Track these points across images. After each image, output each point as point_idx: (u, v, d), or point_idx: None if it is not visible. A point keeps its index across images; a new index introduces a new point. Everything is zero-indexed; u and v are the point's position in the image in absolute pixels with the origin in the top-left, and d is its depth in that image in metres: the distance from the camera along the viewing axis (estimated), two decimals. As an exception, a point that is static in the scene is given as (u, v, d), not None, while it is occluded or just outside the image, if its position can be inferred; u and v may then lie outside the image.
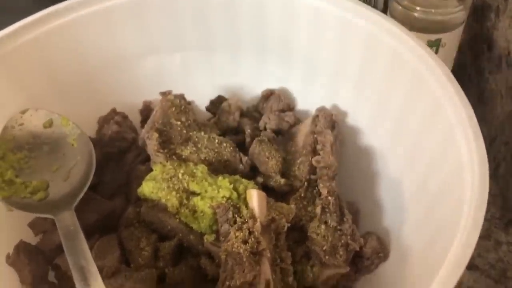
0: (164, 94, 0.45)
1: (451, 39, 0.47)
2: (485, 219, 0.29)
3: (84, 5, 0.46)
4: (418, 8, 0.47)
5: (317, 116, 0.46)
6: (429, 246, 0.35)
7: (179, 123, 0.45)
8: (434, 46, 0.47)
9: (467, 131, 0.34)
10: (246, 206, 0.38)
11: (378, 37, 0.41)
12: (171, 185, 0.40)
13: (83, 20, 0.46)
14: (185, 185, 0.40)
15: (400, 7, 0.48)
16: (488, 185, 0.31)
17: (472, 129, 0.34)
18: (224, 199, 0.38)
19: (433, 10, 0.46)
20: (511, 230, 0.46)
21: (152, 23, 0.49)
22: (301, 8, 0.45)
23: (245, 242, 0.35)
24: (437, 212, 0.35)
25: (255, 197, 0.37)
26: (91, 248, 0.39)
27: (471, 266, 0.45)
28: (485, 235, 0.46)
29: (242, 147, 0.47)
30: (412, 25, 0.47)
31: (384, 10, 0.57)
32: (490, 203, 0.36)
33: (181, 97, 0.46)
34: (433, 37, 0.47)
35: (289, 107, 0.50)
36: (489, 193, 0.30)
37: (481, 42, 0.51)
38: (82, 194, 0.40)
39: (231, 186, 0.39)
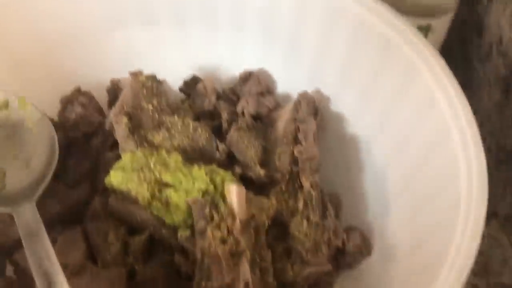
0: (134, 74, 0.42)
1: (441, 25, 0.45)
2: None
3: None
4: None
5: (299, 101, 0.43)
6: (419, 245, 0.33)
7: (150, 106, 0.41)
8: (423, 31, 0.45)
9: (462, 124, 0.32)
10: (224, 200, 0.35)
11: (367, 21, 0.38)
12: (141, 176, 0.37)
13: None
14: (157, 175, 0.37)
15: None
16: (487, 185, 0.30)
17: (467, 122, 0.32)
18: (200, 192, 0.36)
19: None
20: (492, 223, 0.45)
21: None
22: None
23: (223, 241, 0.33)
24: (426, 209, 0.34)
25: (234, 193, 0.34)
26: (53, 243, 0.36)
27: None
28: (466, 227, 0.45)
29: (219, 132, 0.44)
30: (401, 9, 0.44)
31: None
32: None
33: (153, 78, 0.43)
34: (423, 22, 0.44)
35: (269, 89, 0.47)
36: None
37: (470, 28, 0.49)
38: (44, 185, 0.36)
39: (208, 177, 0.37)
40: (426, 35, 0.45)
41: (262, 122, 0.45)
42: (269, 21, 0.45)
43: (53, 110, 0.45)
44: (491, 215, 0.46)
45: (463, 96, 0.33)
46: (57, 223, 0.38)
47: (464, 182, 0.31)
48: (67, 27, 0.45)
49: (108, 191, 0.39)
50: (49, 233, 0.37)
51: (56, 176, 0.41)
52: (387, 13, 0.38)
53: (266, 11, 0.44)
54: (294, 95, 0.45)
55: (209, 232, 0.33)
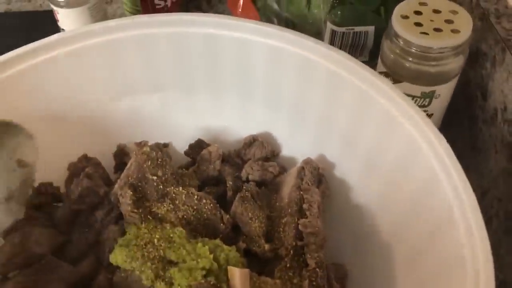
0: (139, 145, 0.42)
1: (446, 90, 0.45)
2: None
3: (53, 47, 0.43)
4: (410, 58, 0.44)
5: (303, 168, 0.43)
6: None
7: (155, 178, 0.41)
8: (428, 97, 0.45)
9: (465, 210, 0.32)
10: (227, 280, 0.35)
11: (368, 95, 0.39)
12: (145, 254, 0.37)
13: (51, 62, 0.43)
14: (161, 253, 0.37)
15: (392, 56, 0.45)
16: (493, 269, 0.29)
17: (471, 208, 0.32)
18: (204, 271, 0.36)
19: (427, 62, 0.43)
20: (504, 290, 0.44)
21: (128, 62, 0.46)
22: (289, 56, 0.42)
23: (227, 328, 0.32)
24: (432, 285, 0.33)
25: (237, 277, 0.34)
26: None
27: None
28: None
29: (224, 199, 0.44)
30: (405, 76, 0.44)
31: (374, 50, 0.55)
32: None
33: (158, 148, 0.43)
34: (427, 89, 0.44)
35: (273, 153, 0.48)
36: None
37: (475, 89, 0.49)
38: None
39: (211, 256, 0.36)
40: (430, 101, 0.45)
41: (266, 187, 0.45)
42: (274, 88, 0.45)
43: (61, 177, 0.46)
44: (501, 283, 0.45)
45: (467, 180, 0.32)
46: (62, 300, 0.38)
47: (470, 268, 0.30)
48: (75, 94, 0.46)
49: (112, 267, 0.39)
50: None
51: (61, 249, 0.41)
52: (387, 86, 0.38)
53: (271, 79, 0.45)
54: (299, 158, 0.46)
55: (212, 319, 0.32)
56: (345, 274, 0.41)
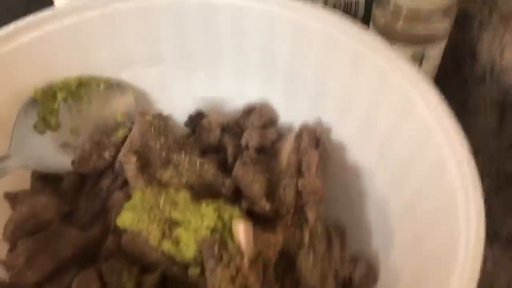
0: (141, 114, 0.43)
1: (435, 51, 0.46)
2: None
3: (53, 20, 0.43)
4: (401, 21, 0.45)
5: (300, 133, 0.44)
6: (421, 272, 0.34)
7: (158, 145, 0.43)
8: (418, 58, 0.46)
9: (458, 158, 0.33)
10: (232, 237, 0.36)
11: (363, 55, 0.40)
12: (151, 216, 0.38)
13: (47, 36, 0.44)
14: (167, 214, 0.39)
15: (383, 19, 0.46)
16: (484, 211, 0.31)
17: (464, 153, 0.33)
18: (209, 229, 0.37)
19: (417, 24, 0.44)
20: (495, 245, 0.46)
21: (128, 35, 0.46)
22: (282, 22, 0.43)
23: (232, 279, 0.34)
24: (428, 236, 0.35)
25: (241, 231, 0.35)
26: (70, 284, 0.37)
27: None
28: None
29: (224, 166, 0.45)
30: (395, 38, 0.46)
31: (365, 18, 0.56)
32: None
33: (160, 117, 0.44)
34: (417, 49, 0.45)
35: (271, 121, 0.49)
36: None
37: (463, 52, 0.50)
38: None
39: (215, 214, 0.38)
40: (421, 62, 0.46)
41: (265, 154, 0.47)
42: (269, 55, 0.46)
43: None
44: (493, 238, 0.46)
45: (459, 127, 0.34)
46: (71, 266, 0.39)
47: (462, 211, 0.32)
48: (74, 69, 0.46)
49: (120, 231, 0.40)
50: (64, 275, 0.39)
51: (69, 217, 0.42)
52: (381, 45, 0.39)
53: (266, 46, 0.46)
54: (297, 125, 0.47)
55: (218, 271, 0.34)
56: (344, 234, 0.43)
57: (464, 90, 0.50)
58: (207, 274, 0.35)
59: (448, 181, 0.33)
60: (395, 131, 0.39)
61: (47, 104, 0.45)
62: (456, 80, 0.52)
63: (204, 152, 0.47)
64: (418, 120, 0.36)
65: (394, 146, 0.40)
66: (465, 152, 0.34)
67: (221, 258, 0.35)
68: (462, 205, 0.32)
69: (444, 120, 0.35)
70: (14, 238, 0.40)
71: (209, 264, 0.35)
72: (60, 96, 0.45)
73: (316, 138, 0.44)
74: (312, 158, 0.42)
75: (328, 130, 0.46)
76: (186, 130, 0.51)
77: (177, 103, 0.50)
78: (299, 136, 0.44)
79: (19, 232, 0.40)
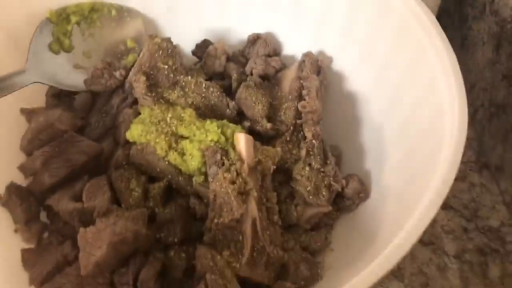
0: (151, 37, 0.45)
1: (438, -15, 0.47)
2: (461, 162, 0.31)
3: None
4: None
5: (303, 61, 0.46)
6: (407, 186, 0.37)
7: (166, 66, 0.45)
8: (421, -8, 0.47)
9: (449, 80, 0.35)
10: (234, 149, 0.39)
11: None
12: (159, 129, 0.41)
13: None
14: (174, 128, 0.41)
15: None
16: (466, 130, 0.33)
17: (454, 78, 0.35)
18: (212, 142, 0.39)
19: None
20: (484, 173, 0.48)
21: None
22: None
23: (232, 182, 0.36)
24: (416, 154, 0.37)
25: (242, 140, 0.38)
26: (82, 190, 0.40)
27: (446, 206, 0.47)
28: (460, 177, 0.49)
29: (229, 92, 0.47)
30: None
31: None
32: (467, 147, 0.38)
33: (168, 40, 0.46)
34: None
35: (275, 51, 0.51)
36: (466, 137, 0.32)
37: (467, -11, 0.51)
38: None
39: (219, 130, 0.40)
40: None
41: (269, 82, 0.49)
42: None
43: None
44: (483, 166, 0.49)
45: (452, 51, 0.35)
46: (83, 174, 0.42)
47: (448, 124, 0.34)
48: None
49: (129, 145, 0.43)
50: (76, 181, 0.42)
51: (81, 131, 0.45)
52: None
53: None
54: (299, 55, 0.49)
55: (220, 174, 0.36)
56: (340, 153, 0.45)
57: (464, 26, 0.52)
58: (209, 178, 0.38)
59: (438, 98, 0.35)
60: (392, 57, 0.41)
61: (61, 26, 0.47)
62: (458, 17, 0.53)
63: (210, 78, 0.49)
64: (414, 45, 0.38)
65: (390, 72, 0.41)
66: (456, 75, 0.35)
67: (222, 164, 0.37)
68: (449, 118, 0.34)
69: (438, 44, 0.36)
70: (30, 147, 0.43)
71: (212, 169, 0.37)
72: (73, 19, 0.47)
73: (317, 65, 0.46)
74: (313, 82, 0.44)
75: (329, 60, 0.47)
76: (193, 60, 0.53)
77: (185, 32, 0.52)
78: (301, 63, 0.46)
79: (36, 141, 0.43)
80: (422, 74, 0.38)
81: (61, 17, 0.47)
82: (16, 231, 0.42)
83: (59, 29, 0.46)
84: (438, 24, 0.37)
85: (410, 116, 0.39)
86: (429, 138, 0.35)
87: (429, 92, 0.37)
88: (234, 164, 0.37)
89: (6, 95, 0.40)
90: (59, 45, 0.47)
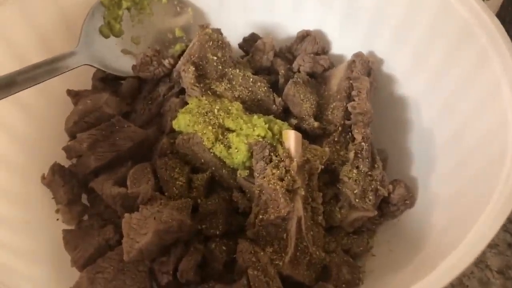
0: (202, 27, 0.45)
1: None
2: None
3: None
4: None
5: (353, 61, 0.45)
6: (458, 197, 0.36)
7: (215, 58, 0.44)
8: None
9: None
10: (281, 146, 0.38)
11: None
12: (207, 120, 0.41)
13: None
14: (221, 121, 0.41)
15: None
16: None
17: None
18: (259, 137, 0.39)
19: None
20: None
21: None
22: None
23: (281, 179, 0.36)
24: (471, 165, 0.36)
25: (292, 138, 0.37)
26: (125, 175, 0.40)
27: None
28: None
29: (275, 87, 0.47)
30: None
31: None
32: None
33: (219, 31, 0.45)
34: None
35: (324, 50, 0.50)
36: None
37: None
38: None
39: (266, 125, 0.40)
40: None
41: (316, 80, 0.48)
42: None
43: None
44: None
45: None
46: (127, 158, 0.42)
47: (511, 139, 0.32)
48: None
49: (174, 133, 0.43)
50: (121, 166, 0.42)
51: (127, 117, 0.45)
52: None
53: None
54: (347, 56, 0.48)
55: (268, 170, 0.36)
56: (386, 158, 0.45)
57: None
58: (256, 174, 0.37)
59: (500, 106, 0.34)
60: (449, 61, 0.40)
61: (113, 10, 0.47)
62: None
63: (257, 73, 0.48)
64: (476, 48, 0.37)
65: (445, 77, 0.40)
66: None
67: (270, 160, 0.37)
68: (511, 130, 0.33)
69: (503, 48, 0.35)
70: (75, 129, 0.43)
71: (259, 164, 0.37)
72: (125, 4, 0.47)
73: (368, 66, 0.45)
74: (364, 83, 0.43)
75: (380, 61, 0.46)
76: (239, 53, 0.52)
77: (233, 25, 0.51)
78: (351, 63, 0.45)
79: (81, 123, 0.43)
80: (482, 82, 0.36)
81: (113, 1, 0.47)
82: (57, 211, 0.42)
83: (110, 13, 0.47)
84: (504, 30, 0.36)
85: (465, 125, 0.38)
86: (488, 149, 0.34)
87: (489, 101, 0.36)
88: (283, 161, 0.36)
89: (57, 75, 0.41)
90: (109, 29, 0.47)
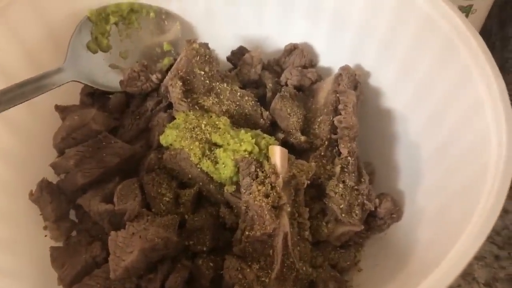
0: (189, 42, 0.45)
1: (483, 6, 0.46)
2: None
3: None
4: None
5: (340, 74, 0.46)
6: (444, 211, 0.36)
7: (202, 73, 0.44)
8: (465, 12, 0.46)
9: (497, 106, 0.34)
10: (268, 161, 0.38)
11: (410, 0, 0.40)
12: (194, 135, 0.41)
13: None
14: (208, 136, 0.41)
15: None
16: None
17: (503, 105, 0.34)
18: (246, 153, 0.39)
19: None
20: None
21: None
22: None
23: (267, 196, 0.36)
24: (455, 177, 0.36)
25: (277, 153, 0.37)
26: (113, 191, 0.40)
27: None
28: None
29: (263, 101, 0.47)
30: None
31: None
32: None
33: (206, 46, 0.46)
34: (465, 2, 0.46)
35: (311, 63, 0.50)
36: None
37: (510, 12, 0.50)
38: None
39: (253, 140, 0.40)
40: (467, 16, 0.47)
41: (303, 93, 0.48)
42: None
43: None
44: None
45: (499, 74, 0.35)
46: (115, 174, 0.42)
47: (494, 153, 0.33)
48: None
49: (161, 148, 0.43)
50: (108, 182, 0.42)
51: (114, 132, 0.45)
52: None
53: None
54: (335, 69, 0.48)
55: (254, 187, 0.36)
56: (373, 171, 0.45)
57: (505, 50, 0.51)
58: (242, 190, 0.37)
59: (483, 121, 0.34)
60: (433, 76, 0.40)
61: (100, 25, 0.47)
62: (499, 39, 0.52)
63: (244, 87, 0.49)
64: (459, 64, 0.37)
65: (430, 91, 0.41)
66: (503, 98, 0.34)
67: (257, 176, 0.37)
68: (495, 144, 0.33)
69: (485, 65, 0.35)
70: (63, 145, 0.43)
71: (245, 180, 0.37)
72: (112, 19, 0.48)
73: (355, 80, 0.45)
74: (350, 97, 0.43)
75: (367, 75, 0.47)
76: (227, 66, 0.53)
77: (221, 39, 0.52)
78: (338, 76, 0.45)
79: (69, 139, 0.43)
80: (466, 97, 0.37)
81: (100, 17, 0.47)
82: (45, 228, 0.42)
83: (98, 28, 0.47)
84: (485, 47, 0.36)
85: (449, 138, 0.38)
86: (471, 163, 0.34)
87: (472, 116, 0.36)
88: (269, 177, 0.37)
89: (44, 93, 0.41)
90: (97, 45, 0.47)
